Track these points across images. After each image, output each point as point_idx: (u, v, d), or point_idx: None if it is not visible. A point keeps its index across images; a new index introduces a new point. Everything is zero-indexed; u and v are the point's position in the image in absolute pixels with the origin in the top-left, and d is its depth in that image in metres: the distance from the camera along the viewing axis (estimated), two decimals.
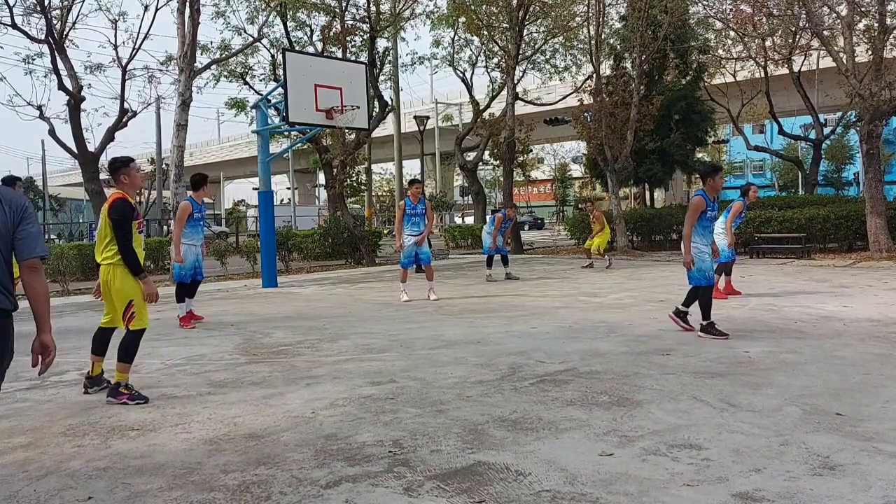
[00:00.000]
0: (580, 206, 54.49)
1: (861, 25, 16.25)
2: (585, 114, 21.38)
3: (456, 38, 24.20)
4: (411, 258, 10.53)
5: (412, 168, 59.48)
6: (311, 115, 13.74)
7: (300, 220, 41.35)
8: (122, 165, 5.26)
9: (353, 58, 19.92)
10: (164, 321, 9.21)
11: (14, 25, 15.97)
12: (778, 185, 54.95)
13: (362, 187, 29.68)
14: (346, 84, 14.13)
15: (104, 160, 33.59)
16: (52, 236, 36.52)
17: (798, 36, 21.51)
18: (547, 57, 25.16)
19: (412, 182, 11.31)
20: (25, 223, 2.86)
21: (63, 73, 16.27)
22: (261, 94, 18.55)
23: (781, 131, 26.43)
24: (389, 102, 22.46)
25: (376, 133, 28.46)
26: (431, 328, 7.94)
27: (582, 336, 7.12)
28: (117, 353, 5.08)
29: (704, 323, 6.85)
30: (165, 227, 31.73)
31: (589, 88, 21.95)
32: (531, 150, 28.32)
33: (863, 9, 16.26)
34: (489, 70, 24.72)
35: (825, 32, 17.20)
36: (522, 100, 24.52)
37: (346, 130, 18.20)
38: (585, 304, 9.61)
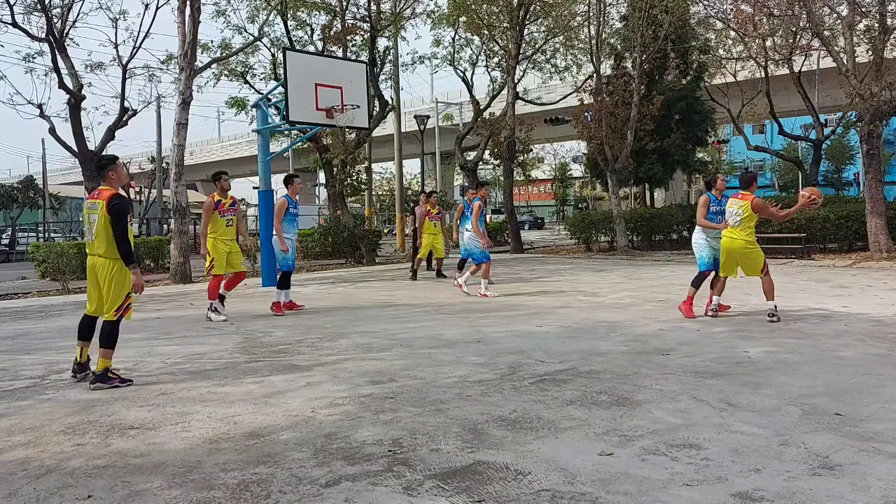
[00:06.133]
0: (580, 205, 54.54)
1: (861, 26, 16.25)
2: (586, 113, 21.37)
3: (456, 37, 24.18)
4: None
5: (413, 167, 59.40)
6: (311, 114, 13.75)
7: (300, 218, 41.32)
8: (109, 163, 5.61)
9: (353, 57, 19.95)
10: (164, 320, 9.22)
11: (14, 24, 15.93)
12: (778, 185, 54.94)
13: (362, 186, 29.68)
14: (347, 83, 14.14)
15: None
16: (53, 234, 36.47)
17: (798, 36, 21.46)
18: (547, 56, 25.13)
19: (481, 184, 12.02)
20: None
21: (63, 71, 16.24)
22: (261, 93, 18.55)
23: (782, 131, 26.38)
24: (390, 102, 22.46)
25: (377, 132, 28.45)
26: (431, 327, 7.95)
27: (582, 335, 7.12)
28: (101, 341, 5.35)
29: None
30: (166, 226, 31.74)
31: (589, 88, 21.93)
32: (531, 150, 28.28)
33: (863, 9, 16.24)
34: (489, 70, 24.70)
35: (826, 33, 17.18)
36: (523, 99, 24.51)
37: (347, 129, 18.22)
38: (585, 303, 9.61)
